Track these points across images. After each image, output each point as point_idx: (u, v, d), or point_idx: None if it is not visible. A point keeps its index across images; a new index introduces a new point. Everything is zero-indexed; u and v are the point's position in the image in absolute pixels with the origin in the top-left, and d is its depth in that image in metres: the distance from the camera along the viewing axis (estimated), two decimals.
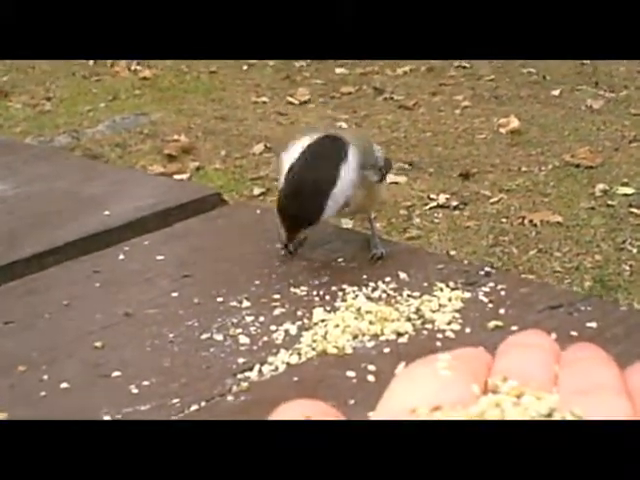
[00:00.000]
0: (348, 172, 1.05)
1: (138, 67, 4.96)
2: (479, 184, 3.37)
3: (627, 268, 2.76)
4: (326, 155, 1.05)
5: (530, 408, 0.35)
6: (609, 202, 3.18)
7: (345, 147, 1.06)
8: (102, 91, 4.63)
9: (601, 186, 3.28)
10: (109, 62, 5.02)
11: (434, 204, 3.22)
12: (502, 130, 3.88)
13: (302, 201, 1.02)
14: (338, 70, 4.80)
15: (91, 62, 5.05)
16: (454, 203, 3.22)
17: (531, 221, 3.06)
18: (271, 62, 5.01)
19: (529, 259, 2.84)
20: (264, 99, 4.44)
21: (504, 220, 3.10)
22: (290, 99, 4.42)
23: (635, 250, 2.87)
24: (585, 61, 4.77)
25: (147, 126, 4.08)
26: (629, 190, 3.26)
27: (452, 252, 2.87)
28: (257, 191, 3.33)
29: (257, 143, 3.81)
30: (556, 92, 4.36)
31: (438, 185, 3.37)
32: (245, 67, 4.95)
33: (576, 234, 2.98)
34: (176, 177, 3.43)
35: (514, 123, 3.90)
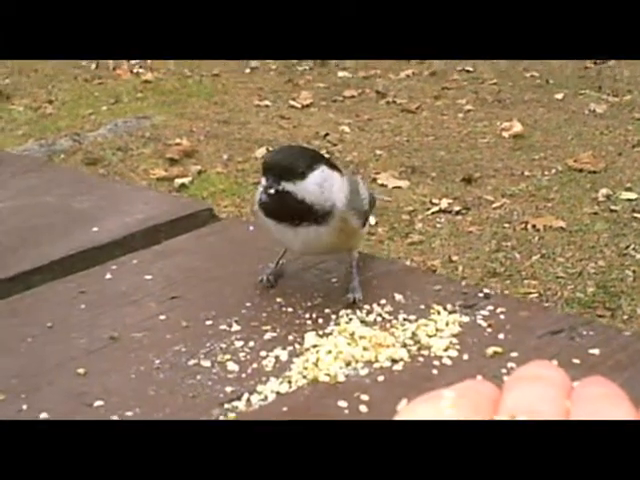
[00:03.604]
0: (345, 181, 1.01)
1: (140, 70, 4.94)
2: (482, 189, 3.35)
3: (630, 274, 2.74)
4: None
5: None
6: (612, 207, 3.16)
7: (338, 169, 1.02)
8: (104, 94, 4.61)
9: (604, 191, 3.26)
10: (111, 65, 5.00)
11: (436, 209, 3.19)
12: (505, 134, 3.85)
13: (292, 152, 0.98)
14: (341, 74, 4.78)
15: (93, 65, 5.03)
16: (456, 208, 3.19)
17: (534, 226, 3.04)
18: (274, 65, 4.99)
19: (532, 264, 2.81)
20: (267, 103, 4.42)
21: (507, 225, 3.07)
22: (292, 103, 4.39)
23: (639, 255, 2.85)
24: (589, 65, 4.74)
25: (149, 129, 4.05)
26: (632, 195, 3.23)
27: (454, 257, 2.84)
28: None
29: (259, 147, 3.78)
30: (559, 96, 4.33)
31: (440, 190, 3.34)
32: (248, 70, 4.93)
33: (579, 239, 2.96)
34: (178, 181, 3.41)
35: (517, 127, 3.87)
